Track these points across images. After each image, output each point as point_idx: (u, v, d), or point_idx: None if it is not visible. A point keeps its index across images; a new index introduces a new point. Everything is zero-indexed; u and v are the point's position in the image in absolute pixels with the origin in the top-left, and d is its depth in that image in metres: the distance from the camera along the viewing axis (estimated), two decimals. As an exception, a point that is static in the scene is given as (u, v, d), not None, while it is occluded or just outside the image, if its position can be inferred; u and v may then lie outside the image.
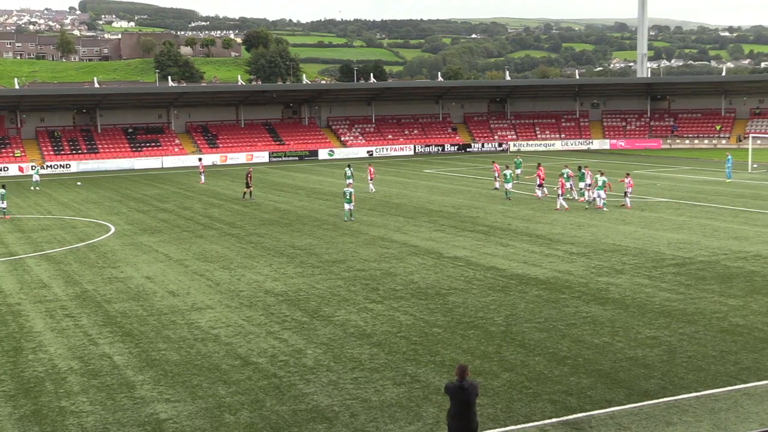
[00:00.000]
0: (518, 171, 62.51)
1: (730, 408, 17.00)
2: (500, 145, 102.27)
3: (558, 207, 47.04)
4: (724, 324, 23.04)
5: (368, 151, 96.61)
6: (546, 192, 53.36)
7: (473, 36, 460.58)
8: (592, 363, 19.95)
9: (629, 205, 47.26)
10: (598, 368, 19.57)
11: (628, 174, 49.70)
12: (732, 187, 56.67)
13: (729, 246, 34.81)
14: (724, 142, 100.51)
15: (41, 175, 73.06)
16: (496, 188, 56.96)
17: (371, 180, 56.79)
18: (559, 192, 47.83)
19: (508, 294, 27.02)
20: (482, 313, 24.62)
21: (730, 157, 63.58)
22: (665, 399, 17.55)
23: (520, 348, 21.23)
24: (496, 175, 57.55)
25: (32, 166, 76.31)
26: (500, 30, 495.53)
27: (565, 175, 50.83)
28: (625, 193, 47.71)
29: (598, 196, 47.11)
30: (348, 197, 44.23)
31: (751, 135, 79.36)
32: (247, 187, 54.97)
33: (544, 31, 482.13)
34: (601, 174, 47.77)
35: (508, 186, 53.16)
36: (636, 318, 23.81)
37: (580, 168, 53.27)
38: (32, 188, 65.86)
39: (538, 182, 53.00)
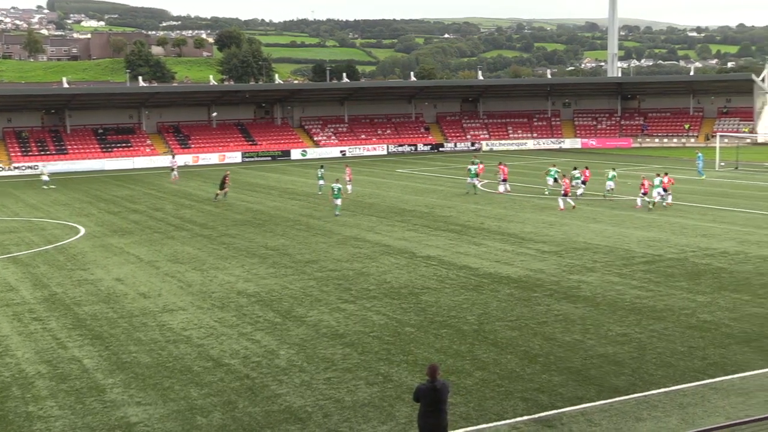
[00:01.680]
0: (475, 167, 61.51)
1: (698, 403, 17.18)
2: (473, 144, 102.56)
3: (563, 207, 46.44)
4: (692, 320, 23.27)
5: (341, 151, 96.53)
6: (508, 188, 54.86)
7: (446, 36, 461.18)
8: (564, 360, 20.08)
9: (670, 201, 47.16)
10: (569, 366, 19.69)
11: (666, 173, 48.95)
12: (700, 185, 57.20)
13: (697, 243, 35.16)
14: (692, 140, 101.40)
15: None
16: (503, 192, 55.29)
17: (349, 181, 56.63)
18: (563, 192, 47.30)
19: (480, 293, 27.12)
20: (455, 312, 24.70)
21: (700, 155, 64.18)
22: (635, 395, 17.70)
23: (492, 346, 21.32)
24: (501, 177, 56.43)
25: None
26: (473, 30, 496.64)
27: (575, 174, 52.34)
28: (666, 190, 46.99)
29: (660, 195, 46.59)
30: (336, 192, 45.88)
31: (718, 134, 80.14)
32: (221, 188, 54.75)
33: (516, 31, 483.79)
34: (658, 175, 47.54)
35: (474, 181, 54.05)
36: (607, 315, 23.99)
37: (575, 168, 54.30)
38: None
39: (501, 178, 54.97)
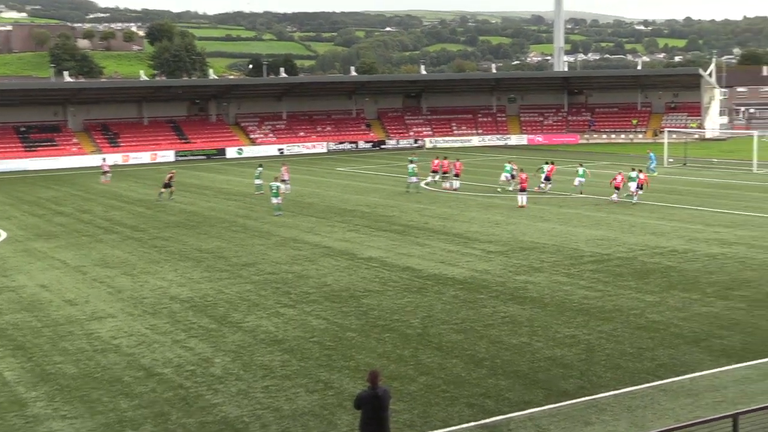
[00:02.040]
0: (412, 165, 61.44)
1: (647, 405, 17.42)
2: (416, 141, 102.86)
3: (524, 203, 46.92)
4: (641, 321, 23.61)
5: (279, 149, 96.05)
6: (453, 185, 55.60)
7: (387, 29, 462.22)
8: (511, 364, 20.21)
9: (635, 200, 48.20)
10: (516, 369, 19.83)
11: (641, 170, 50.73)
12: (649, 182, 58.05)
13: (646, 242, 35.70)
14: (640, 136, 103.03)
15: None
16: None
17: (286, 180, 56.32)
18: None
19: (424, 295, 27.18)
20: (398, 316, 24.72)
21: (652, 153, 65.15)
22: (584, 398, 17.88)
23: (437, 350, 21.37)
24: (454, 172, 56.90)
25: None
26: (415, 23, 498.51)
27: (545, 168, 53.63)
28: (641, 186, 48.65)
29: (633, 191, 48.18)
30: (275, 191, 46.37)
31: (666, 129, 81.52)
32: (166, 187, 54.37)
33: (460, 24, 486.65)
34: (633, 169, 49.76)
35: (413, 180, 54.31)
36: (554, 317, 24.21)
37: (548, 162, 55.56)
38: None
39: (454, 173, 56.04)
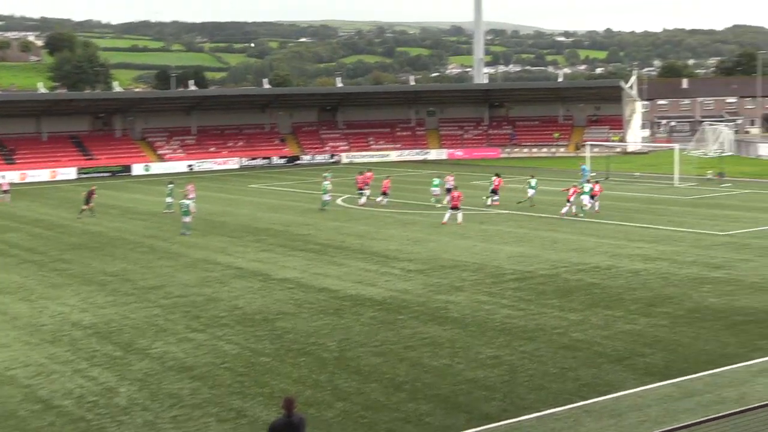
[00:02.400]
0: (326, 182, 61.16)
1: (571, 426, 17.66)
2: (332, 156, 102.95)
3: (446, 221, 47.12)
4: (564, 340, 23.96)
5: (189, 166, 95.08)
6: (365, 201, 56.09)
7: (302, 40, 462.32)
8: (431, 387, 20.29)
9: (597, 209, 50.36)
10: (437, 392, 19.92)
11: (597, 181, 53.11)
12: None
13: (569, 258, 36.29)
14: (562, 150, 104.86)
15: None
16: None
17: (191, 198, 55.58)
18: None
19: (341, 317, 27.14)
20: (314, 339, 24.63)
21: (584, 166, 66.03)
22: (506, 421, 18.05)
23: (355, 375, 21.35)
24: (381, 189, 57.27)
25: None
26: (331, 33, 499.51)
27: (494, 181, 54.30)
28: (594, 197, 50.45)
29: (587, 203, 49.95)
30: (185, 209, 45.97)
31: (588, 143, 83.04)
32: (87, 203, 53.80)
33: (378, 35, 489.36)
34: (588, 181, 51.86)
35: (326, 197, 54.35)
36: (476, 337, 24.41)
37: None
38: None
39: (358, 188, 57.00)
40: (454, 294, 30.05)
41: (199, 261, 37.78)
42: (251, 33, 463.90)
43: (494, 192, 55.36)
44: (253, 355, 23.21)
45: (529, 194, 54.65)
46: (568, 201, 49.23)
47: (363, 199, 56.93)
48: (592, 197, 50.33)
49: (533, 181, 55.11)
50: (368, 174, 59.50)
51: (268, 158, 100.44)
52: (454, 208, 47.41)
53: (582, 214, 49.12)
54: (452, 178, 58.09)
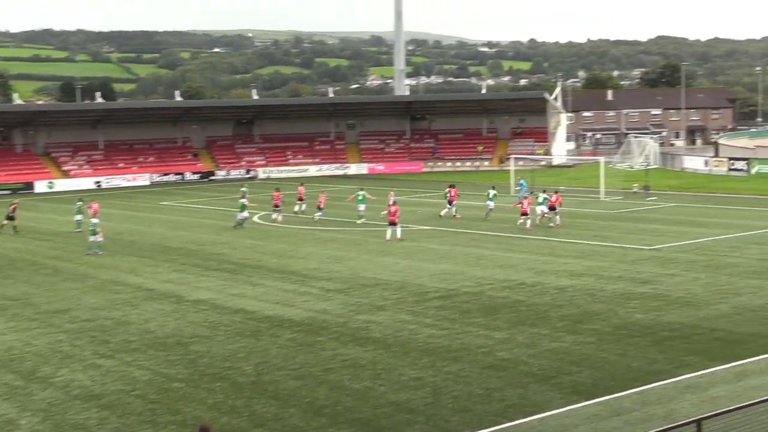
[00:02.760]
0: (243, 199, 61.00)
1: (498, 449, 17.80)
2: (248, 171, 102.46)
3: (389, 237, 47.71)
4: (489, 359, 24.17)
5: (96, 182, 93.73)
6: (279, 218, 56.25)
7: (216, 50, 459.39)
8: (352, 411, 20.28)
9: (559, 221, 51.59)
10: (358, 416, 19.92)
11: (556, 192, 54.06)
12: (495, 212, 59.71)
13: (494, 275, 36.65)
14: (486, 163, 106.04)
15: None
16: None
17: (94, 216, 54.58)
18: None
19: (258, 339, 26.99)
20: (230, 363, 24.44)
21: (522, 181, 66.37)
22: (430, 445, 18.11)
23: (272, 399, 21.24)
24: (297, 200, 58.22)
25: None
26: (246, 43, 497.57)
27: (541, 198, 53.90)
28: (553, 209, 51.98)
29: (541, 213, 51.99)
30: (92, 228, 45.79)
31: (512, 156, 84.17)
32: (9, 219, 54.28)
33: (295, 45, 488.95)
34: (544, 191, 53.57)
35: (243, 215, 54.09)
36: (399, 358, 24.48)
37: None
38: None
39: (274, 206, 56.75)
40: (376, 314, 30.10)
41: (108, 282, 37.24)
42: (162, 43, 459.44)
43: (450, 203, 57.04)
44: (165, 381, 22.93)
45: (489, 207, 56.13)
46: (525, 214, 51.02)
47: (279, 216, 56.69)
48: (551, 209, 51.89)
49: (492, 193, 56.63)
50: (300, 188, 61.41)
51: (181, 174, 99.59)
52: (392, 223, 47.65)
53: (539, 222, 51.71)
54: (392, 193, 58.68)
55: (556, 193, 53.55)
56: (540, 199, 52.67)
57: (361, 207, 56.20)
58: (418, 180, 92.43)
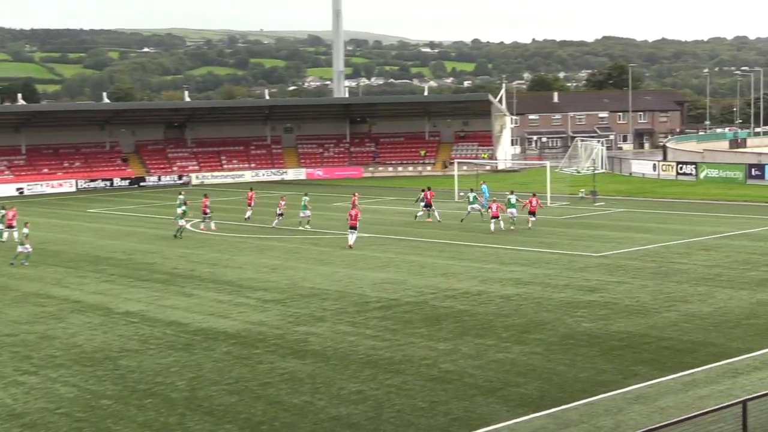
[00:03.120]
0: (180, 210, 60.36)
1: (442, 465, 17.86)
2: (180, 177, 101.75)
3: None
4: (433, 371, 24.24)
5: (18, 189, 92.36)
6: (214, 227, 55.77)
7: (146, 49, 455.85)
8: (291, 427, 20.21)
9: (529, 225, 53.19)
10: (297, 432, 19.87)
11: (534, 194, 55.70)
12: (446, 219, 60.00)
13: (437, 284, 36.80)
14: (429, 168, 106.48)
15: None
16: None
17: (8, 228, 53.64)
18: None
19: (192, 353, 26.80)
20: (161, 378, 24.23)
21: (485, 186, 66.04)
22: (372, 461, 18.11)
23: (207, 416, 21.10)
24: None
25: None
26: (177, 43, 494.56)
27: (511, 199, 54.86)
28: (533, 213, 53.53)
29: (512, 215, 53.39)
30: (20, 240, 45.48)
31: (456, 160, 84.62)
32: None
33: (229, 45, 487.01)
34: (512, 192, 55.43)
35: (182, 222, 53.64)
36: (339, 371, 24.46)
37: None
38: None
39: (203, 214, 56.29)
40: (315, 325, 30.05)
41: (31, 295, 36.73)
42: (88, 42, 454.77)
43: (428, 206, 57.88)
44: (92, 398, 22.66)
45: (468, 210, 57.52)
46: (496, 218, 52.27)
47: (212, 224, 56.23)
48: (531, 213, 53.26)
49: (471, 196, 58.00)
50: (251, 193, 62.61)
51: (109, 180, 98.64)
52: (353, 227, 47.91)
53: (513, 227, 53.07)
54: (357, 196, 58.87)
55: (534, 196, 54.92)
56: (513, 200, 53.84)
57: (304, 213, 56.07)
58: (359, 185, 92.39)
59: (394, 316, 31.11)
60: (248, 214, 61.05)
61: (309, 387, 23.12)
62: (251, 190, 65.86)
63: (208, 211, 56.55)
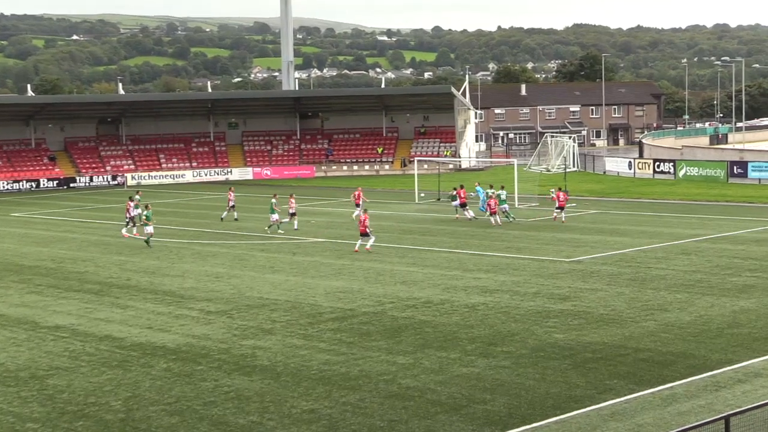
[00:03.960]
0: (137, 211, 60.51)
1: (403, 489, 17.90)
2: (114, 178, 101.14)
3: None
4: (392, 387, 24.28)
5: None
6: (136, 232, 55.24)
7: (75, 37, 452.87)
8: (237, 450, 20.17)
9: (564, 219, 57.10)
10: (244, 456, 19.82)
11: (559, 188, 60.34)
12: (397, 222, 60.11)
13: (396, 292, 36.85)
14: (387, 167, 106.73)
15: None
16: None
17: None
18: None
19: (128, 370, 26.65)
20: (94, 398, 24.08)
21: (479, 188, 65.67)
22: (327, 486, 18.11)
23: (145, 439, 21.01)
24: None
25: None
26: (110, 30, 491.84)
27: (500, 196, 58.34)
28: (562, 208, 57.31)
29: (504, 210, 57.92)
30: None
31: (416, 159, 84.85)
32: None
33: (168, 33, 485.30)
34: (502, 188, 59.43)
35: (150, 230, 53.15)
36: (290, 388, 24.42)
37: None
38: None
39: (127, 218, 56.24)
40: (263, 338, 29.99)
41: (-51, 308, 36.36)
42: (9, 28, 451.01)
43: (463, 206, 59.64)
44: (17, 422, 22.47)
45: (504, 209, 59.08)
46: (494, 213, 56.36)
47: (134, 229, 55.61)
48: (560, 208, 57.03)
49: (503, 194, 59.63)
50: (231, 194, 63.31)
51: (35, 181, 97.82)
52: (364, 234, 47.74)
53: (511, 220, 57.68)
54: (361, 191, 61.41)
55: (559, 190, 59.14)
56: (503, 196, 58.36)
57: (274, 216, 55.74)
58: (310, 186, 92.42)
59: (350, 327, 31.11)
60: (224, 214, 62.78)
61: (257, 406, 23.07)
62: (231, 189, 66.40)
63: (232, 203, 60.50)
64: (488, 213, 57.39)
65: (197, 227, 59.16)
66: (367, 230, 47.65)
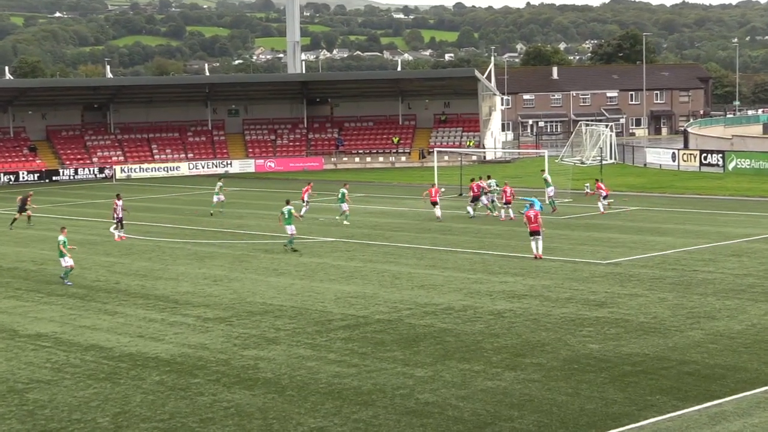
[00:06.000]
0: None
1: None
2: (102, 170, 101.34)
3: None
4: (409, 403, 24.25)
5: None
6: (123, 235, 55.34)
7: (58, 15, 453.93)
8: (238, 472, 20.20)
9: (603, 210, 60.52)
10: (245, 478, 19.86)
11: (597, 180, 64.25)
12: (414, 220, 60.08)
13: (414, 298, 36.81)
14: (403, 159, 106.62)
15: None
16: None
17: None
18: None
19: (117, 383, 26.70)
20: (79, 414, 24.13)
21: (492, 181, 65.41)
22: None
23: (135, 459, 21.06)
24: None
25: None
26: (98, 7, 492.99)
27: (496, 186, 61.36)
28: (603, 196, 61.32)
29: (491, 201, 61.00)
30: None
31: (435, 149, 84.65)
32: (22, 211, 62.06)
33: (161, 10, 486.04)
34: (489, 177, 62.79)
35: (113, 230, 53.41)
36: (296, 404, 24.42)
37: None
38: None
39: (115, 218, 56.27)
40: (267, 348, 30.01)
41: None
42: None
43: (476, 199, 61.16)
44: (-5, 439, 22.58)
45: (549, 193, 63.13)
46: (509, 203, 58.83)
47: (120, 231, 55.51)
48: (605, 197, 61.11)
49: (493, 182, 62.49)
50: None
51: (14, 173, 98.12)
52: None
53: (494, 214, 60.23)
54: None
55: (598, 181, 63.24)
56: (493, 186, 61.65)
57: (344, 206, 59.53)
58: (319, 179, 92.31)
59: (363, 336, 31.10)
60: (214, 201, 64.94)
61: (260, 423, 23.09)
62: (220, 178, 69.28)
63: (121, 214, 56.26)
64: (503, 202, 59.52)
65: (193, 225, 59.18)
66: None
